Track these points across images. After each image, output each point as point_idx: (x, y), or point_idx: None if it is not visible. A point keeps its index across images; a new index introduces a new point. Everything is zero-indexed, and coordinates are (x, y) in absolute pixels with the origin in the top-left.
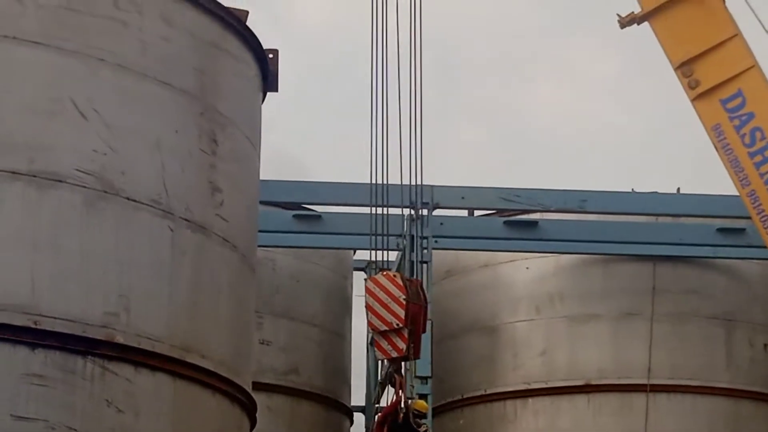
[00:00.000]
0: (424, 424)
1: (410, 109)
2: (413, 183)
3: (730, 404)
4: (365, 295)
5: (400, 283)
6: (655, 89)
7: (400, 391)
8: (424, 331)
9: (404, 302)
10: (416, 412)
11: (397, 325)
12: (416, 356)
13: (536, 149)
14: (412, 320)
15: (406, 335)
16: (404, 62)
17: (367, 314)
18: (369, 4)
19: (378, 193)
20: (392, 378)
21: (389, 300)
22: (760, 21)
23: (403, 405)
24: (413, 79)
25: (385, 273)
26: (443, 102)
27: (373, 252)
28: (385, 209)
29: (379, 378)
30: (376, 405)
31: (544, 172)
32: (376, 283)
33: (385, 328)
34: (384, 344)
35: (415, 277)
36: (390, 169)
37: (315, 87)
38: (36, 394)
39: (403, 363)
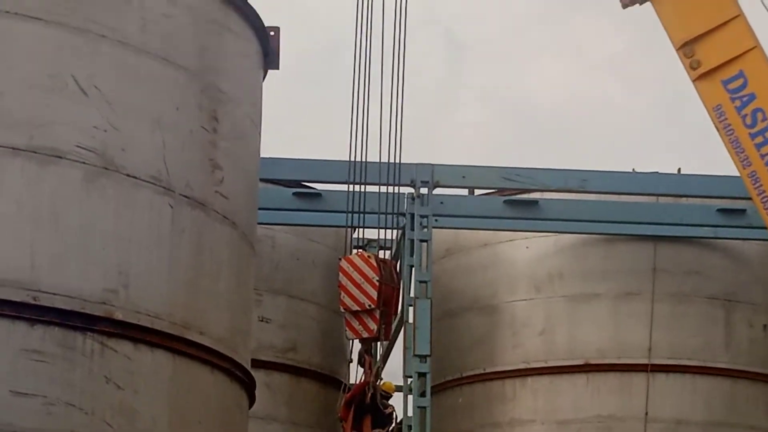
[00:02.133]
0: (391, 405)
1: (391, 86)
2: (396, 160)
3: (729, 384)
4: (339, 275)
5: (374, 264)
6: (657, 69)
7: (369, 371)
8: (396, 313)
9: (377, 283)
10: (383, 393)
11: (369, 306)
12: (387, 338)
13: (538, 129)
14: (385, 302)
15: (378, 316)
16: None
17: (340, 294)
18: None
19: (376, 172)
20: (362, 358)
21: (362, 280)
22: (762, 2)
23: (371, 386)
24: (396, 52)
25: (359, 253)
26: (447, 82)
27: (368, 231)
28: (387, 188)
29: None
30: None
31: (546, 152)
32: (351, 263)
33: (357, 308)
34: (355, 324)
35: (412, 255)
36: (384, 148)
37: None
38: (35, 370)
39: (373, 344)
